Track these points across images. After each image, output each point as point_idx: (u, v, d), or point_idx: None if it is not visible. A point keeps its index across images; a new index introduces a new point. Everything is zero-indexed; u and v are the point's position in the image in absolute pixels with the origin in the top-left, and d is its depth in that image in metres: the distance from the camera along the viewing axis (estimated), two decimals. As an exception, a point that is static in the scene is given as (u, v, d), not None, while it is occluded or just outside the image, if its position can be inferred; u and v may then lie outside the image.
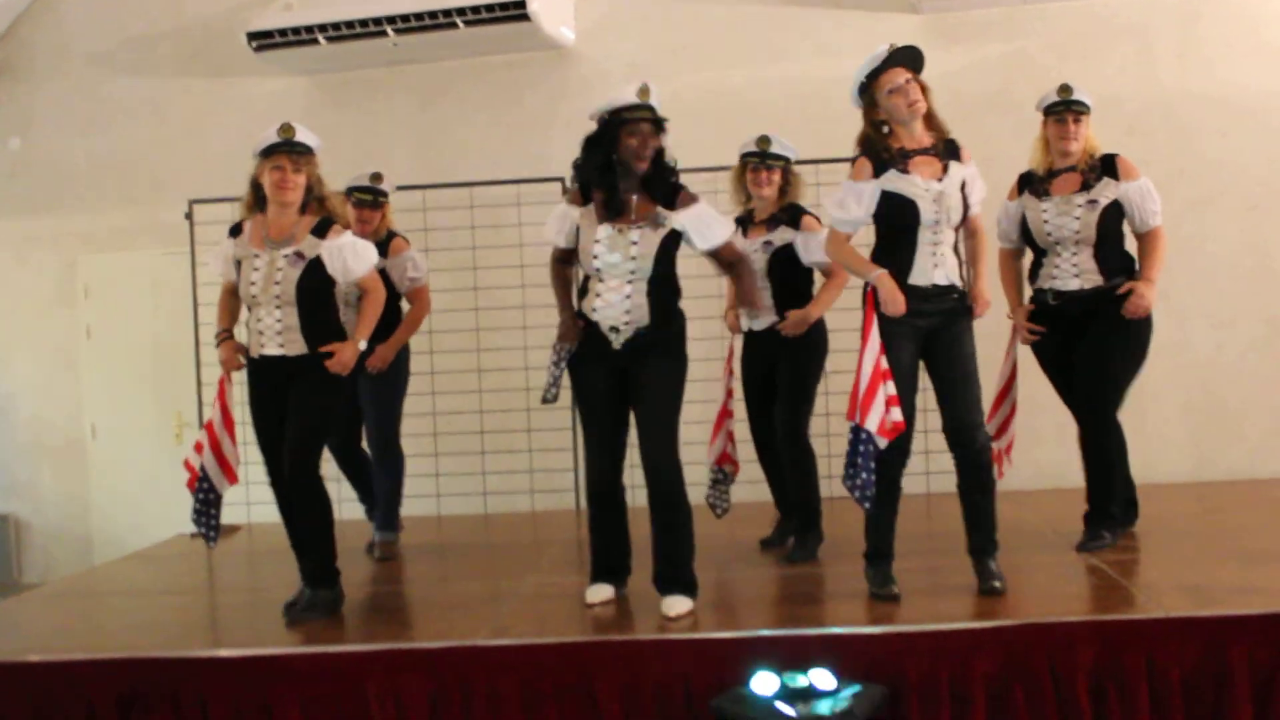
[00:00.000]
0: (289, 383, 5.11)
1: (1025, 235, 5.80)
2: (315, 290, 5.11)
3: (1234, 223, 7.95)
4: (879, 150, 4.92)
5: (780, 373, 5.87)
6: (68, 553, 8.77)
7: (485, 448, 7.98)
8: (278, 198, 5.10)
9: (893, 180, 4.87)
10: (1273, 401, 7.96)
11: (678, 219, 4.93)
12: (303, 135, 5.10)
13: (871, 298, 4.87)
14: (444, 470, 7.82)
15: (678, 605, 4.84)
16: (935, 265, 4.89)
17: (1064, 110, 5.64)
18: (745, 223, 5.97)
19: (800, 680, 4.11)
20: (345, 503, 6.25)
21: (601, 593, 5.15)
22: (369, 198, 6.28)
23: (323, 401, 5.16)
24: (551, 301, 7.87)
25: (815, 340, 5.87)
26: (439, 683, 4.42)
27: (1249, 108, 7.92)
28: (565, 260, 5.16)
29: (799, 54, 8.18)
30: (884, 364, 4.79)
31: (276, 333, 5.09)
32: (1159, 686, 4.25)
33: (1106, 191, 5.59)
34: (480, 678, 4.41)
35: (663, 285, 4.95)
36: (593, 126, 4.99)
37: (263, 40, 8.02)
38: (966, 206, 4.97)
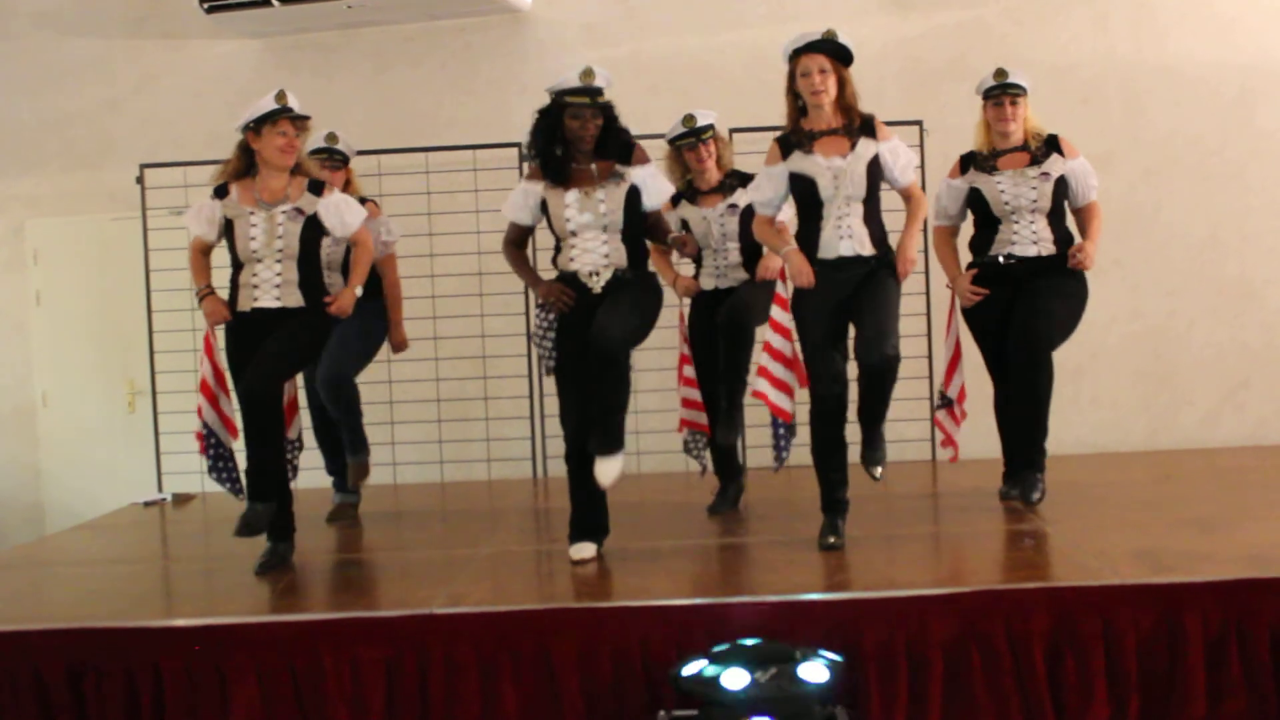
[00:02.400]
0: (275, 331, 5.22)
1: (975, 209, 5.90)
2: (314, 246, 5.29)
3: (1186, 192, 8.01)
4: (789, 135, 5.21)
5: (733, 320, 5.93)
6: (18, 521, 8.67)
7: (442, 416, 7.95)
8: (281, 162, 5.26)
9: (797, 161, 5.16)
10: (1223, 370, 8.05)
11: (635, 174, 5.14)
12: (292, 101, 5.24)
13: (783, 273, 5.25)
14: (400, 439, 7.79)
15: (609, 469, 5.08)
16: (841, 238, 5.13)
17: (1000, 94, 5.78)
18: (690, 196, 6.08)
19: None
20: (308, 471, 6.20)
21: (585, 550, 5.24)
22: (325, 157, 6.23)
23: (305, 338, 5.31)
24: (507, 268, 7.85)
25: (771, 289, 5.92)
26: (395, 651, 4.40)
27: (1201, 78, 7.98)
28: (520, 242, 5.38)
29: (756, 19, 8.14)
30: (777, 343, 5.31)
31: (275, 285, 5.24)
32: (1114, 652, 4.29)
33: (1055, 167, 5.76)
34: (437, 646, 4.40)
35: (634, 236, 5.18)
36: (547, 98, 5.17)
37: (214, 1, 7.90)
38: (875, 181, 5.13)
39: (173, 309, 7.79)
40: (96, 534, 6.79)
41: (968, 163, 5.93)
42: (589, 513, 5.30)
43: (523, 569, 5.41)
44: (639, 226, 5.21)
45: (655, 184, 5.21)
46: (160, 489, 7.89)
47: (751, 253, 6.00)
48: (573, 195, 5.12)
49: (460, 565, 5.38)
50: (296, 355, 5.34)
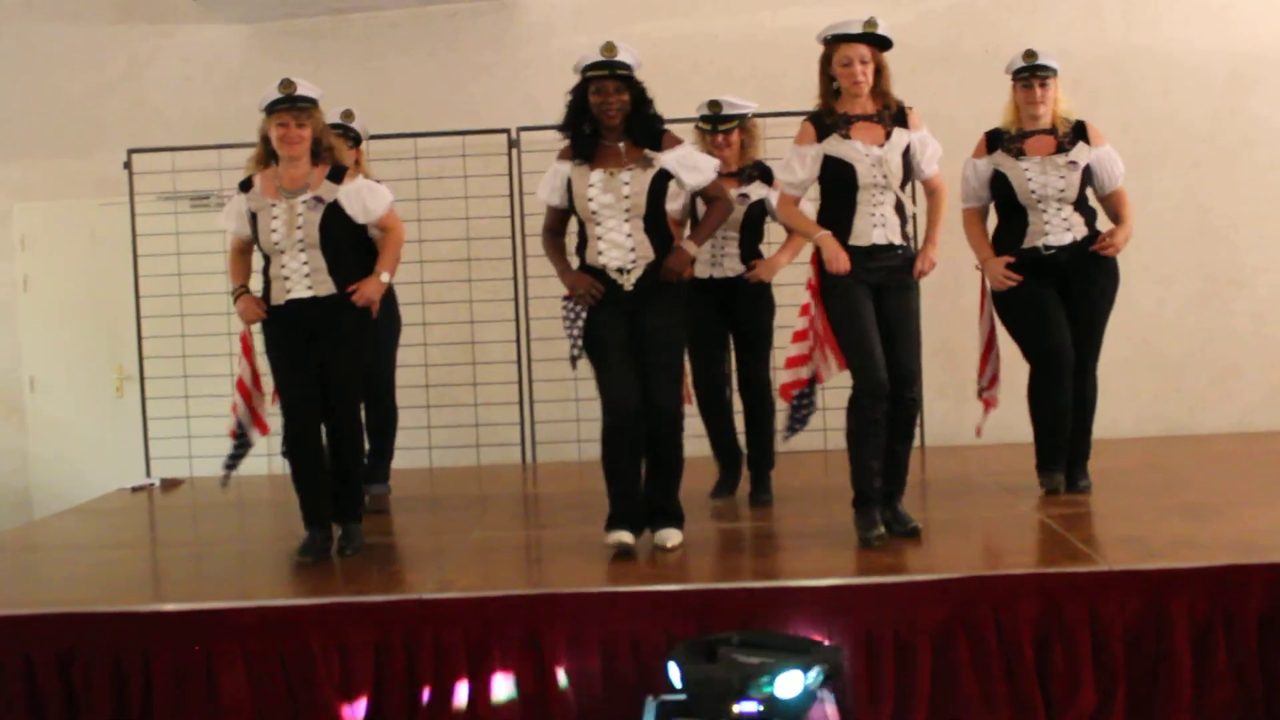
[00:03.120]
0: (320, 325, 5.21)
1: (999, 193, 5.81)
2: (337, 233, 5.22)
3: (1176, 179, 8.01)
4: (823, 115, 5.11)
5: (742, 323, 6.00)
6: (6, 507, 8.64)
7: (431, 401, 7.94)
8: (284, 152, 5.20)
9: (834, 145, 5.04)
10: (1212, 357, 8.06)
11: (664, 159, 5.07)
12: (304, 89, 5.16)
13: (816, 258, 5.06)
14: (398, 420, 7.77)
15: (673, 537, 5.10)
16: (875, 226, 5.03)
17: (1029, 76, 5.70)
18: None
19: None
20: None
21: (622, 537, 5.04)
22: (339, 133, 6.16)
23: (357, 347, 5.33)
24: (496, 254, 7.84)
25: (770, 291, 6.01)
26: (384, 636, 4.40)
27: (1192, 65, 7.98)
28: (558, 229, 5.24)
29: (748, 3, 8.12)
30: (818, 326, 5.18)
31: (305, 275, 5.20)
32: (1101, 638, 4.30)
33: (1082, 155, 5.72)
34: (426, 631, 4.40)
35: (658, 227, 5.10)
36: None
37: (202, -14, 7.87)
38: (909, 170, 5.10)
39: (160, 294, 7.77)
40: (84, 519, 6.78)
41: (994, 141, 5.82)
42: (632, 500, 5.13)
43: (512, 554, 5.41)
44: (664, 214, 5.13)
45: (691, 162, 5.12)
46: (148, 474, 7.88)
47: (750, 248, 5.96)
48: (597, 175, 5.05)
49: (449, 550, 5.38)
50: (358, 368, 5.37)
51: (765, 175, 5.97)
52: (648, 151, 5.07)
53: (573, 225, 5.22)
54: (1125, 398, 8.04)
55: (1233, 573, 4.36)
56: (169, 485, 7.63)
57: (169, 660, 4.40)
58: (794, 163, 5.15)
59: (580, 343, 5.09)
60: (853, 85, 5.01)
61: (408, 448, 7.78)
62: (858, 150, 5.01)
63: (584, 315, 5.07)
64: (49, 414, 8.76)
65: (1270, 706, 4.30)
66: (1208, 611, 4.31)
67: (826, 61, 5.09)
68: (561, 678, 4.34)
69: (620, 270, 5.04)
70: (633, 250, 5.04)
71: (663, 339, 5.07)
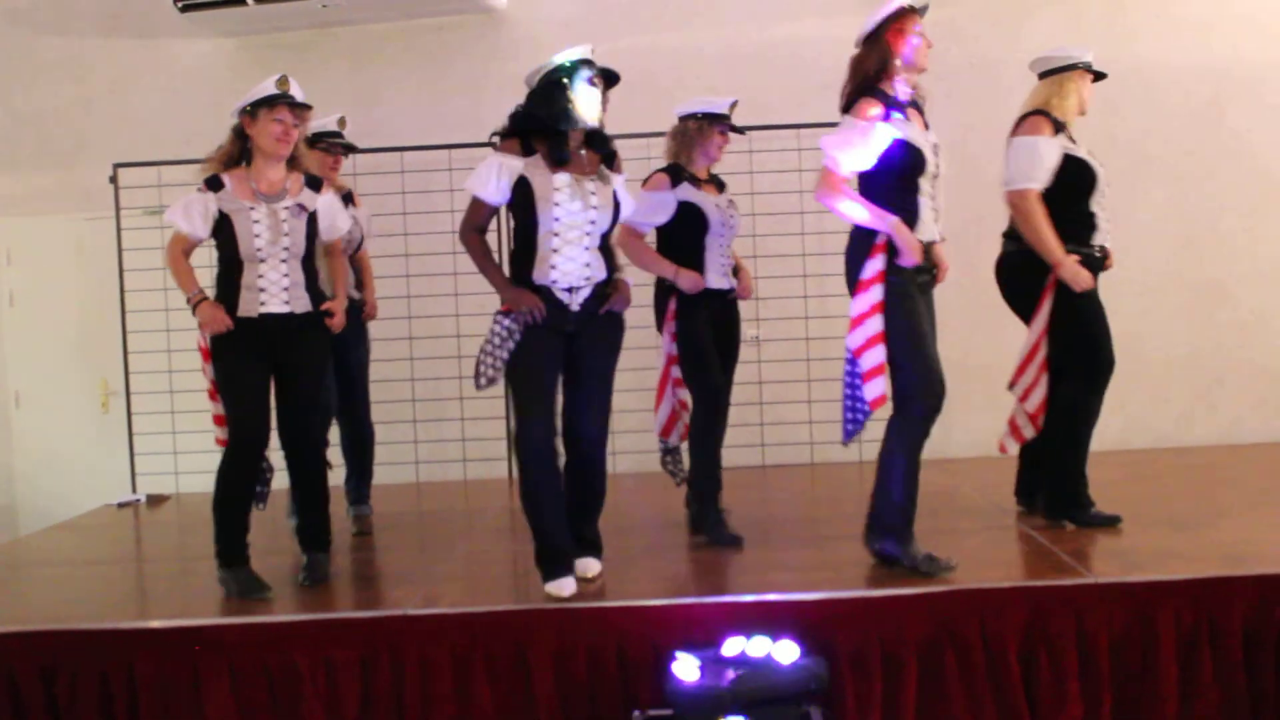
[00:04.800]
0: (287, 343, 4.96)
1: (1071, 181, 5.31)
2: (312, 246, 5.07)
3: (1160, 191, 8.05)
4: (881, 90, 4.60)
5: (728, 335, 5.72)
6: (-10, 523, 8.65)
7: (417, 416, 7.94)
8: (276, 150, 4.92)
9: (904, 128, 4.58)
10: (1197, 369, 8.08)
11: (617, 180, 4.83)
12: (295, 89, 4.94)
13: (883, 249, 4.55)
14: (375, 439, 7.75)
15: (593, 567, 4.95)
16: (934, 219, 4.70)
17: (1094, 79, 5.49)
18: (688, 177, 5.60)
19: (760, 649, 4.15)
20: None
21: (568, 586, 4.66)
22: (338, 139, 6.16)
23: (324, 363, 5.19)
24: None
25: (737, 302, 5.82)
26: (370, 652, 4.40)
27: (1174, 79, 8.02)
28: (483, 228, 4.83)
29: (734, 18, 8.14)
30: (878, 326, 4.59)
31: (283, 289, 4.93)
32: (1087, 650, 4.32)
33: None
34: (412, 647, 4.40)
35: (608, 247, 4.87)
36: (524, 89, 4.87)
37: (189, 0, 7.86)
38: None
39: (147, 309, 7.76)
40: (70, 535, 6.76)
41: (1056, 125, 5.33)
42: (561, 532, 4.79)
43: (498, 569, 5.40)
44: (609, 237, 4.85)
45: (629, 198, 4.92)
46: (134, 490, 7.86)
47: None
48: (563, 179, 4.61)
49: (435, 566, 5.38)
50: (323, 384, 5.21)
51: (720, 184, 5.79)
52: (604, 167, 4.77)
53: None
54: (1111, 409, 7.97)
55: (1218, 584, 4.38)
56: (155, 501, 7.62)
57: (155, 676, 4.39)
58: (855, 139, 4.53)
59: (500, 365, 4.71)
60: (924, 67, 4.61)
61: (393, 463, 7.79)
62: (921, 134, 4.59)
63: (518, 336, 4.68)
64: (34, 430, 8.73)
65: (1255, 718, 4.32)
66: (1193, 623, 4.33)
67: (874, 45, 4.61)
68: (548, 692, 4.34)
69: (570, 289, 4.70)
70: (588, 266, 4.70)
71: (601, 370, 4.86)
